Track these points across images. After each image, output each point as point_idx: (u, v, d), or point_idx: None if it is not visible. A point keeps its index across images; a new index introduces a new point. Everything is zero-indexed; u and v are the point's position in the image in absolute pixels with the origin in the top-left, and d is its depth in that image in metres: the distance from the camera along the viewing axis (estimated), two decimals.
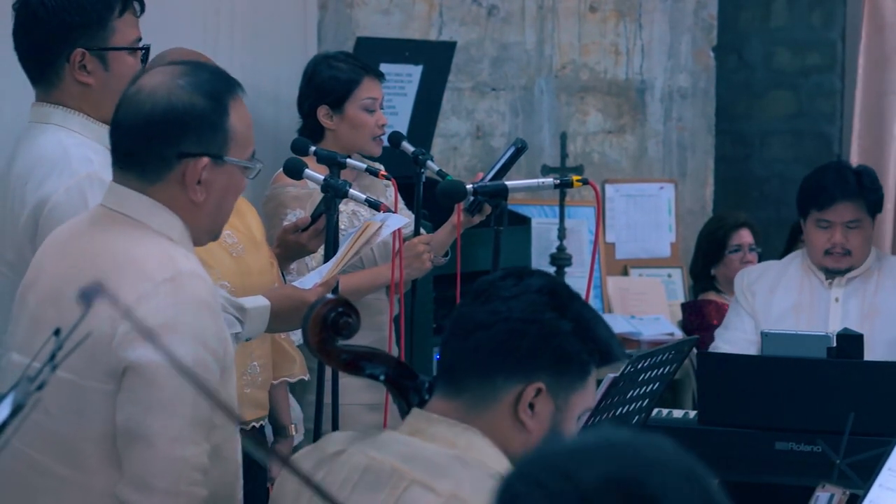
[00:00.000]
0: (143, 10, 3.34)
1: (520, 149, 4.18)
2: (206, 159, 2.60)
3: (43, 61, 3.27)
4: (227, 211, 2.71)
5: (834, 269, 4.73)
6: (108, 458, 2.54)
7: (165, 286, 2.52)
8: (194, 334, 2.52)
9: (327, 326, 2.47)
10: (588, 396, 2.33)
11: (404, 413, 2.43)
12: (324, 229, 3.85)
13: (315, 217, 3.89)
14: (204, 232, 2.69)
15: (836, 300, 4.74)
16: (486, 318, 2.28)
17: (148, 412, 2.50)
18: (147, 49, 3.29)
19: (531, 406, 2.27)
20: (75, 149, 3.20)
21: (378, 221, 3.60)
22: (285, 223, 4.23)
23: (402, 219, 3.78)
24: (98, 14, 3.25)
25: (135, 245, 2.59)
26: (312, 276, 3.52)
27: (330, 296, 2.50)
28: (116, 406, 2.52)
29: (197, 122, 2.60)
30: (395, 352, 4.20)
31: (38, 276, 2.70)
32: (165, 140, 2.60)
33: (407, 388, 2.46)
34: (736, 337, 4.76)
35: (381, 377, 2.49)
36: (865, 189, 4.74)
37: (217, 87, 2.65)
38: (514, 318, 2.27)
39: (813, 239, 4.75)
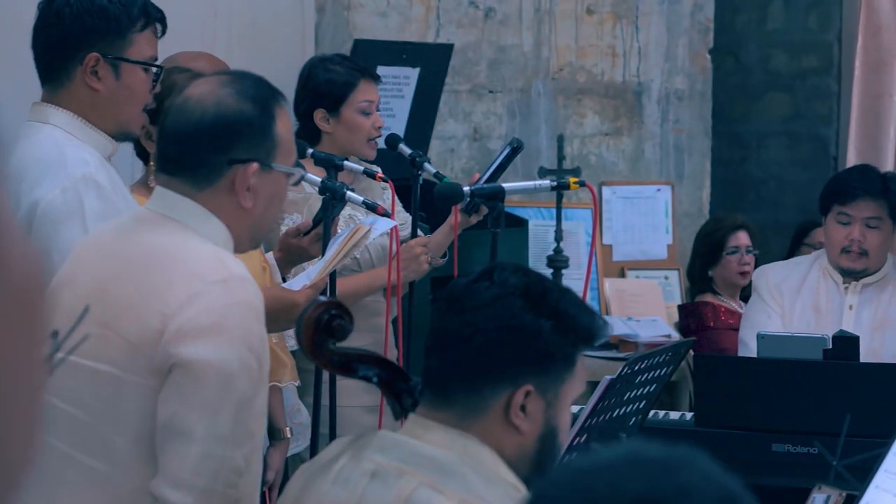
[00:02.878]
0: (164, 32, 3.37)
1: (516, 148, 4.17)
2: (255, 165, 2.64)
3: (57, 61, 3.30)
4: (271, 218, 2.76)
5: (849, 269, 4.68)
6: (141, 453, 2.55)
7: (217, 287, 2.55)
8: (241, 336, 2.55)
9: (320, 328, 2.48)
10: (577, 383, 2.33)
11: (397, 415, 2.44)
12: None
13: (317, 222, 3.90)
14: (247, 238, 2.72)
15: (850, 308, 4.69)
16: (464, 331, 2.28)
17: (193, 410, 2.51)
18: (161, 70, 3.33)
19: (522, 408, 2.27)
20: (71, 150, 3.21)
21: (367, 225, 3.61)
22: (282, 227, 4.23)
23: (390, 222, 3.79)
24: (119, 23, 3.28)
25: (185, 245, 2.62)
26: (301, 278, 3.53)
27: (322, 298, 2.51)
28: (159, 402, 2.53)
29: (246, 128, 2.64)
30: (393, 354, 4.20)
31: (76, 273, 2.71)
32: (216, 147, 2.64)
33: (400, 390, 2.47)
34: None
35: (374, 379, 2.50)
36: (890, 192, 4.69)
37: (263, 94, 2.70)
38: (491, 328, 2.26)
39: (832, 234, 4.69)
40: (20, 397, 0.89)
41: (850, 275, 4.68)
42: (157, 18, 3.35)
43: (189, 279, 2.55)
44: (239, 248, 2.71)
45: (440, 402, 2.31)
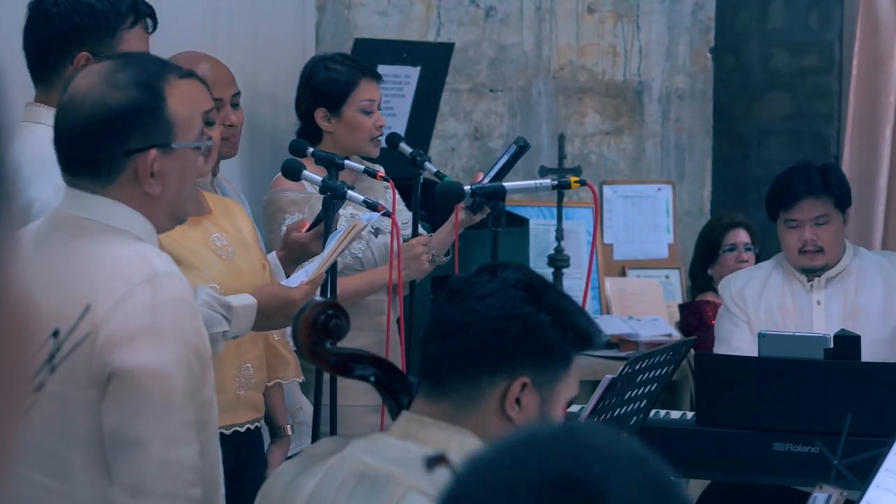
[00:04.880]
0: (154, 28, 3.35)
1: (522, 147, 4.16)
2: (153, 151, 2.58)
3: (47, 61, 3.28)
4: (188, 194, 2.69)
5: (810, 267, 4.70)
6: (94, 466, 2.52)
7: (143, 287, 2.51)
8: (176, 335, 2.52)
9: (317, 329, 2.47)
10: (571, 384, 2.34)
11: (394, 414, 2.43)
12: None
13: (317, 222, 3.90)
14: (167, 220, 2.67)
15: (818, 303, 4.71)
16: (465, 319, 2.28)
17: (138, 417, 2.48)
18: None
19: (518, 401, 2.28)
20: None
21: (364, 221, 3.63)
22: (283, 227, 4.23)
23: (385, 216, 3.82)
24: (108, 21, 3.26)
25: (105, 248, 2.57)
26: (299, 275, 3.53)
27: (319, 298, 2.51)
28: (103, 413, 2.50)
29: (136, 116, 2.58)
30: (395, 353, 4.21)
31: None
32: (109, 141, 2.58)
33: (397, 390, 2.47)
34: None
35: (371, 379, 2.49)
36: (831, 185, 4.72)
37: (148, 76, 2.62)
38: (493, 317, 2.27)
39: (785, 240, 4.73)
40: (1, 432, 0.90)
41: (812, 272, 4.70)
42: (146, 14, 3.32)
43: (113, 283, 2.51)
44: (161, 229, 2.66)
45: (436, 393, 2.31)
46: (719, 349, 4.77)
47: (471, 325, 2.28)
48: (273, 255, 3.97)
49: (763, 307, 4.72)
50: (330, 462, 2.32)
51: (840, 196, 4.72)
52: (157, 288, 2.52)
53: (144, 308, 2.50)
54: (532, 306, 2.28)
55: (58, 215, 2.67)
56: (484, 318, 2.28)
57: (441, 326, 2.33)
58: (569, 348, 2.31)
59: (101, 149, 2.59)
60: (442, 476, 1.74)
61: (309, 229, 3.90)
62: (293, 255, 3.95)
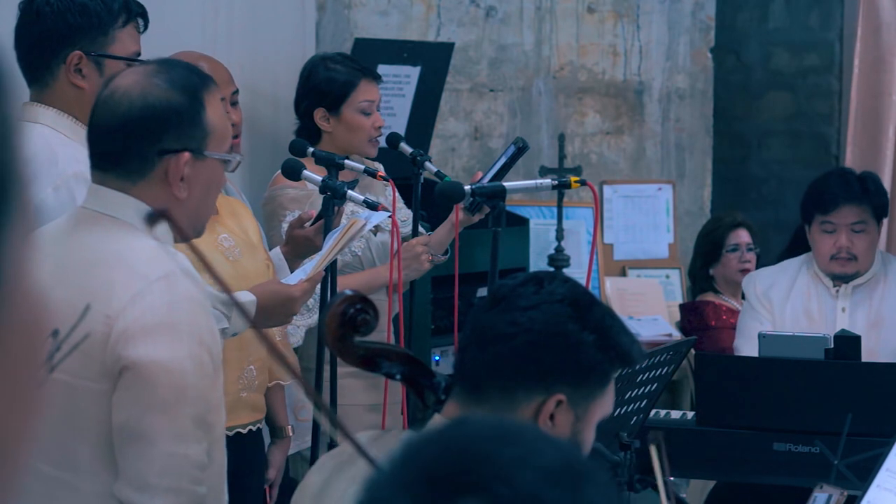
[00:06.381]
0: (146, 27, 3.35)
1: (521, 148, 4.16)
2: (187, 154, 2.60)
3: (40, 60, 3.28)
4: (209, 205, 2.72)
5: (841, 274, 4.65)
6: (101, 459, 2.53)
7: (159, 284, 2.52)
8: (190, 332, 2.53)
9: (345, 323, 2.46)
10: (607, 403, 2.31)
11: (420, 412, 2.41)
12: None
13: (318, 220, 3.90)
14: (187, 228, 2.68)
15: (843, 310, 4.68)
16: (507, 329, 2.25)
17: (148, 411, 2.49)
18: None
19: (551, 417, 2.25)
20: (62, 148, 3.20)
21: (363, 219, 3.62)
22: (284, 224, 4.23)
23: (384, 214, 3.80)
24: (100, 20, 3.26)
25: (124, 244, 2.59)
26: (298, 273, 3.53)
27: (348, 292, 2.48)
28: (113, 406, 2.51)
29: (175, 117, 2.60)
30: None
31: None
32: (145, 138, 2.60)
33: (423, 387, 2.44)
34: None
35: (398, 375, 2.47)
36: (870, 193, 4.68)
37: (191, 81, 2.65)
38: (535, 331, 2.24)
39: (818, 244, 4.67)
40: (10, 428, 0.91)
41: (841, 279, 4.67)
42: (138, 13, 3.33)
43: (130, 279, 2.53)
44: (178, 240, 2.68)
45: (470, 401, 2.28)
46: (741, 343, 4.74)
47: (512, 336, 2.25)
48: (277, 251, 3.98)
49: (789, 310, 4.68)
50: (361, 463, 2.30)
51: (878, 206, 4.68)
52: (174, 285, 2.53)
53: (161, 304, 2.51)
54: (576, 323, 2.25)
55: (81, 212, 2.68)
56: (526, 330, 2.24)
57: (481, 333, 2.29)
58: (608, 368, 2.28)
59: (136, 144, 2.60)
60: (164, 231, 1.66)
61: (314, 222, 3.90)
62: (298, 250, 3.95)
